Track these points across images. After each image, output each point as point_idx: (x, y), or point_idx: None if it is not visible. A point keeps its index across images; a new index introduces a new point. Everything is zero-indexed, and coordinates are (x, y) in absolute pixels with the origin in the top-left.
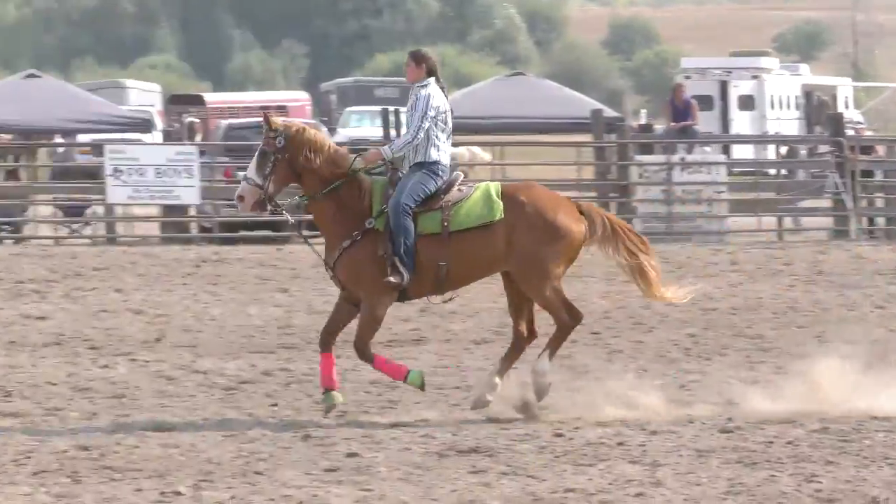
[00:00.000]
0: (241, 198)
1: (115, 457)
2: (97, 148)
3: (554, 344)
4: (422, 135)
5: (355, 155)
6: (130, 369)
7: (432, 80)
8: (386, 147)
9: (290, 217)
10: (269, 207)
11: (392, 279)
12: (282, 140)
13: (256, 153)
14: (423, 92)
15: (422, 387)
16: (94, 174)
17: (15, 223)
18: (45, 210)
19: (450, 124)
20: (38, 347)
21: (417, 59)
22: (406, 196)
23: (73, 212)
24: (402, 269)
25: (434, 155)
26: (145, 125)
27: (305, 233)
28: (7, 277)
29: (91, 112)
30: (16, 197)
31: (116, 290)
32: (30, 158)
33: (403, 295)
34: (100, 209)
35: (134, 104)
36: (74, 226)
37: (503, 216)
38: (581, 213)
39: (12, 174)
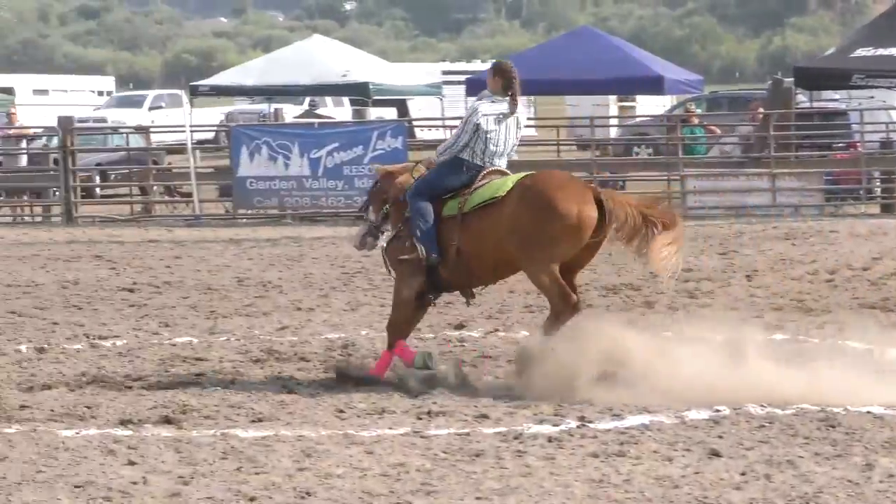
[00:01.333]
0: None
1: None
2: None
3: (546, 327)
4: (460, 145)
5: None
6: None
7: (490, 96)
8: (435, 153)
9: (383, 242)
10: (378, 234)
11: (404, 255)
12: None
13: None
14: (476, 106)
15: (424, 368)
16: None
17: None
18: None
19: (503, 140)
20: None
21: (495, 71)
22: (420, 182)
23: None
24: (418, 245)
25: (465, 156)
26: None
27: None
28: None
29: None
30: None
31: None
32: None
33: (440, 284)
34: None
35: None
36: None
37: (506, 195)
38: (598, 200)
39: None
